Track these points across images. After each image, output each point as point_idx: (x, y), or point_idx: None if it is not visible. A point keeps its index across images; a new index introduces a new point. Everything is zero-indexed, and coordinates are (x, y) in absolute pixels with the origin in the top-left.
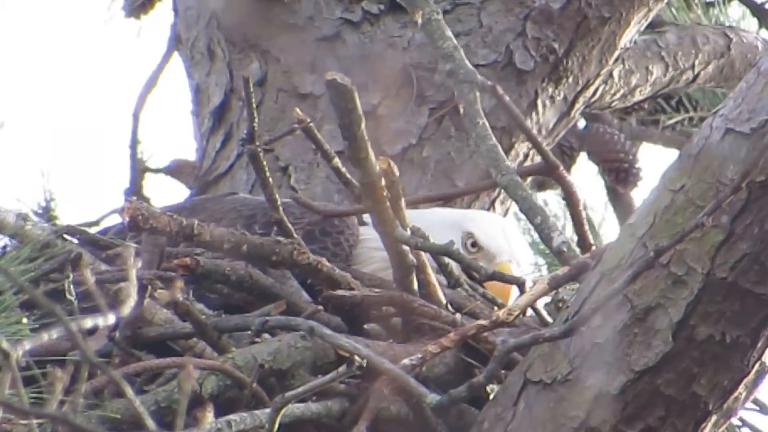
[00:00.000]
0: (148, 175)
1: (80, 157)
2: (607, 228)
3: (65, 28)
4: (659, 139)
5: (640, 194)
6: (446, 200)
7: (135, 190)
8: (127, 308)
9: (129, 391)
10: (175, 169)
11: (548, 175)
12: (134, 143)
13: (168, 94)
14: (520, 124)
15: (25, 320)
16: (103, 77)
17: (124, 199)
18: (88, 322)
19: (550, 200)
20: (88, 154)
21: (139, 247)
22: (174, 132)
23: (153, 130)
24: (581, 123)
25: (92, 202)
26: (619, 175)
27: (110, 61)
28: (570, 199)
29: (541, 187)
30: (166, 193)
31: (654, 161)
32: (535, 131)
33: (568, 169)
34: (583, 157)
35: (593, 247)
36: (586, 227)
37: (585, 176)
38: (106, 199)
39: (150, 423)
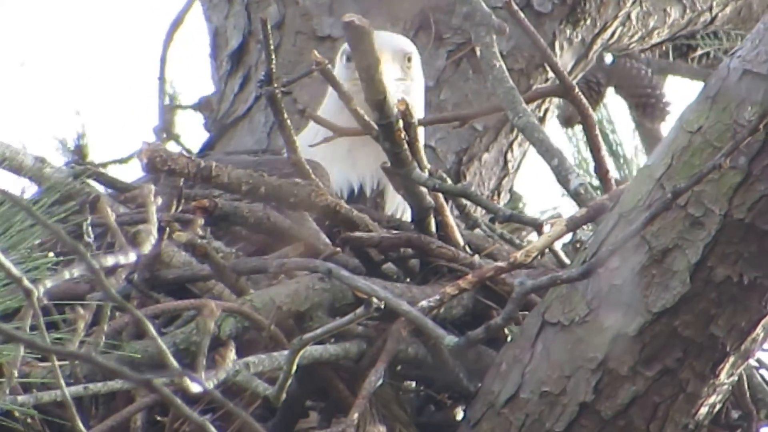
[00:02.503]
0: (178, 112)
1: (112, 96)
2: (638, 162)
3: None
4: (687, 72)
5: (668, 128)
6: (461, 122)
7: (164, 127)
8: (148, 247)
9: (152, 330)
10: (204, 106)
11: (564, 96)
12: (162, 81)
13: (196, 33)
14: (535, 41)
15: (49, 256)
16: (132, 16)
17: (155, 137)
18: (110, 261)
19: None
20: (119, 93)
21: (157, 189)
22: (202, 70)
23: (181, 68)
24: (608, 58)
25: (124, 139)
26: (646, 110)
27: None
28: (586, 123)
29: (568, 123)
30: (196, 130)
31: (682, 94)
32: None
33: (596, 104)
34: (610, 92)
35: (609, 173)
36: (603, 152)
37: (613, 111)
38: (138, 136)
39: (173, 362)
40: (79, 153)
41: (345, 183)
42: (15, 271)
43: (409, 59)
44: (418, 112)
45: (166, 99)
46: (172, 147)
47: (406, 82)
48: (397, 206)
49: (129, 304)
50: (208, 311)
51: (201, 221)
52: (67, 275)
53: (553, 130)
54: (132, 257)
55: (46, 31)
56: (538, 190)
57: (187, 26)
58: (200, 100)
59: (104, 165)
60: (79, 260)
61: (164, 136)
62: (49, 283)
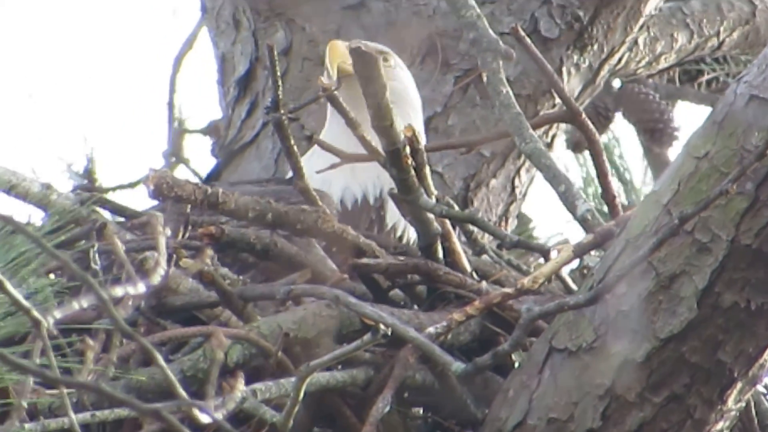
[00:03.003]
0: (186, 137)
1: (121, 121)
2: (646, 189)
3: None
4: (694, 97)
5: (676, 154)
6: (468, 148)
7: (174, 151)
8: (157, 277)
9: (159, 359)
10: (213, 130)
11: (570, 122)
12: (171, 106)
13: (205, 58)
14: (542, 66)
15: (53, 285)
16: (142, 41)
17: (164, 161)
18: (119, 291)
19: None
20: (128, 118)
21: (164, 216)
22: (211, 95)
23: (190, 93)
24: (616, 83)
25: (134, 164)
26: (654, 135)
27: (149, 26)
28: (592, 148)
29: (576, 148)
30: (205, 154)
31: (690, 119)
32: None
33: (604, 129)
34: (618, 117)
35: (616, 199)
36: (610, 177)
37: (622, 136)
38: (148, 161)
39: (180, 390)
40: (87, 177)
41: (348, 194)
42: (23, 301)
43: (386, 59)
44: (405, 115)
45: (175, 123)
46: (181, 171)
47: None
48: (399, 220)
49: (136, 332)
50: (217, 340)
51: (210, 251)
52: (76, 306)
53: (562, 153)
54: (141, 287)
55: (54, 54)
56: (547, 214)
57: (196, 51)
58: (209, 124)
59: (112, 190)
60: (87, 290)
61: (173, 160)
62: (58, 314)
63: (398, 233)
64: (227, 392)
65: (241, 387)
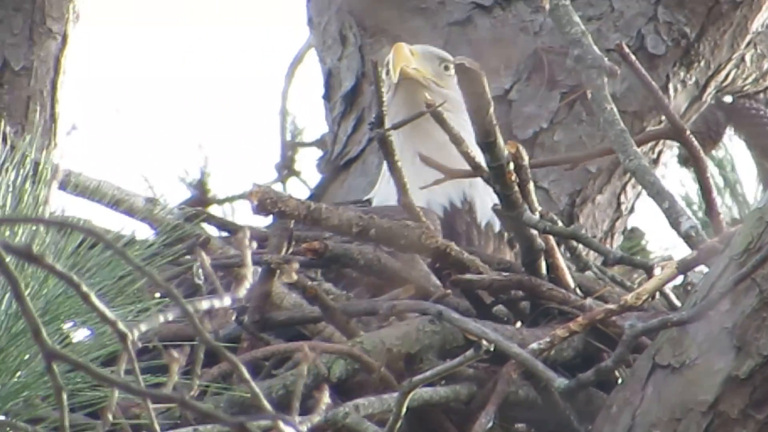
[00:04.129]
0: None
1: (235, 132)
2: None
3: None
4: None
5: None
6: (573, 164)
7: (285, 164)
8: (243, 291)
9: (245, 374)
10: (325, 143)
11: (675, 138)
12: (283, 117)
13: (317, 72)
14: (646, 83)
15: (160, 303)
16: (257, 51)
17: (276, 173)
18: (205, 304)
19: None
20: (243, 130)
21: (266, 231)
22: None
23: (303, 106)
24: (728, 98)
25: (247, 175)
26: (765, 151)
27: (263, 37)
28: (697, 165)
29: (686, 162)
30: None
31: None
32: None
33: (715, 143)
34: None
35: (721, 215)
36: (714, 194)
37: (737, 152)
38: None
39: (266, 405)
40: (200, 188)
41: (436, 205)
42: (109, 314)
43: (447, 67)
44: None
45: (287, 135)
46: (293, 184)
47: (443, 90)
48: (491, 216)
49: (236, 348)
50: (303, 355)
51: (296, 264)
52: (161, 319)
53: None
54: (228, 301)
55: (172, 65)
56: (661, 228)
57: (308, 64)
58: (322, 137)
59: (219, 202)
60: (174, 303)
61: (285, 172)
62: (143, 327)
63: (496, 229)
64: (316, 407)
65: (325, 400)
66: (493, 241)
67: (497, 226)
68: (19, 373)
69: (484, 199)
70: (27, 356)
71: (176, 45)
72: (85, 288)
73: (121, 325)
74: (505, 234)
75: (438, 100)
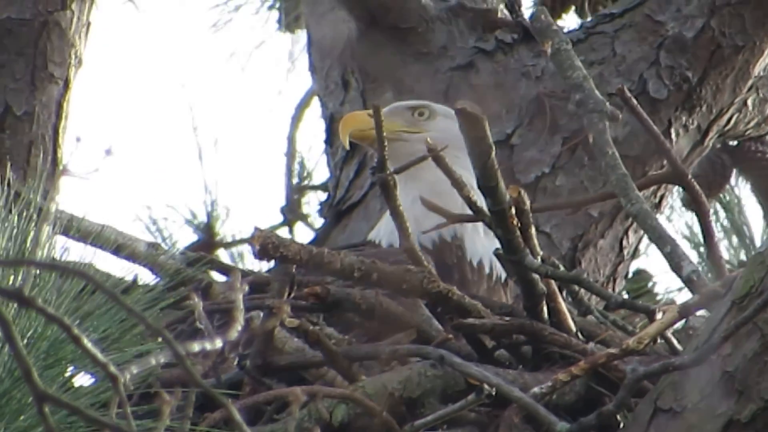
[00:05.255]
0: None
1: (244, 177)
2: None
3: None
4: None
5: None
6: (575, 208)
7: (291, 207)
8: (234, 333)
9: (236, 414)
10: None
11: (677, 183)
12: (289, 161)
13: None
14: (648, 127)
15: (161, 346)
16: (264, 94)
17: (282, 216)
18: (196, 347)
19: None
20: (248, 173)
21: (269, 276)
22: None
23: (310, 149)
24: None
25: (255, 219)
26: None
27: (268, 81)
28: (699, 209)
29: (690, 205)
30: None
31: None
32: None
33: (721, 186)
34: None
35: (723, 259)
36: (716, 238)
37: (743, 193)
38: (266, 215)
39: None
40: (207, 231)
41: (426, 239)
42: (100, 357)
43: (421, 113)
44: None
45: (294, 178)
46: (299, 228)
47: (415, 133)
48: (482, 254)
49: (237, 393)
50: (295, 397)
51: (288, 308)
52: (153, 362)
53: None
54: (218, 343)
55: (177, 106)
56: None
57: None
58: (328, 180)
59: (224, 246)
60: (166, 347)
61: (291, 216)
62: (135, 369)
63: (486, 271)
64: None
65: None
66: (486, 279)
67: (487, 265)
68: (22, 417)
69: (473, 237)
70: (30, 399)
71: (183, 86)
72: (76, 331)
73: (112, 368)
74: (494, 273)
75: (420, 147)
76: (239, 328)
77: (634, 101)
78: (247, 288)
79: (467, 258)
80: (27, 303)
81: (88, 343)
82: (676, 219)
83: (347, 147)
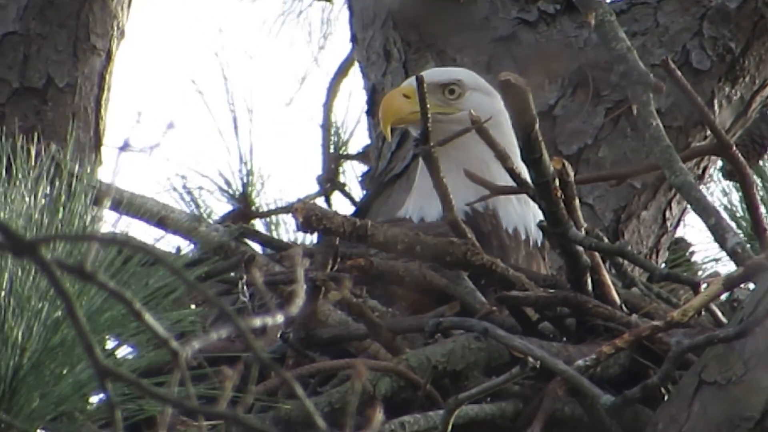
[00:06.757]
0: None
1: (279, 144)
2: None
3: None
4: None
5: None
6: (619, 180)
7: (328, 176)
8: (295, 308)
9: (299, 390)
10: (368, 155)
11: (721, 154)
12: (326, 131)
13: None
14: (692, 99)
15: (194, 314)
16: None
17: (318, 186)
18: (257, 322)
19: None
20: (286, 142)
21: (312, 248)
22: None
23: (346, 117)
24: None
25: (291, 187)
26: None
27: (304, 51)
28: (743, 180)
29: (730, 175)
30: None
31: None
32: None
33: (760, 157)
34: None
35: (767, 231)
36: (762, 210)
37: None
38: (303, 185)
39: (320, 422)
40: (243, 201)
41: (459, 211)
42: (162, 331)
43: (451, 91)
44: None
45: (330, 148)
46: (337, 197)
47: (449, 114)
48: (516, 222)
49: (276, 364)
50: (356, 372)
51: (349, 281)
52: (215, 336)
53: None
54: (280, 318)
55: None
56: (707, 239)
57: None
58: (363, 149)
59: (262, 216)
60: (226, 321)
61: (328, 185)
62: (197, 345)
63: (522, 237)
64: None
65: (379, 418)
66: (523, 245)
67: (523, 232)
68: (55, 387)
69: (506, 206)
70: (64, 370)
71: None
72: (138, 305)
73: (174, 343)
74: (530, 239)
75: (443, 131)
76: (300, 302)
77: (678, 72)
78: (309, 261)
79: (503, 226)
80: (88, 278)
81: (149, 317)
82: (713, 187)
83: (389, 138)
